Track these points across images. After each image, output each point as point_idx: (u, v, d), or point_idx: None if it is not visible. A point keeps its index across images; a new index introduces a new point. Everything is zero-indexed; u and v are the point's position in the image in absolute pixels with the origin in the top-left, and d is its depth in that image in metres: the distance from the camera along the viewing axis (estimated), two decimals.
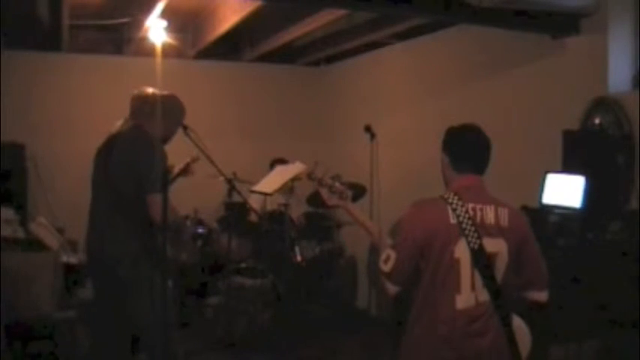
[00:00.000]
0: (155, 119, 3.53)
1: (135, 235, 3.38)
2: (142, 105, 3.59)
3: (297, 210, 6.43)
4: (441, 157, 2.55)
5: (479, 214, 2.39)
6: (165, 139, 3.61)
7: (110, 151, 3.50)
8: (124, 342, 3.62)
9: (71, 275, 4.64)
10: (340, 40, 6.58)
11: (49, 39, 6.38)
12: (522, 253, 2.46)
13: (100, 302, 3.58)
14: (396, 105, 6.47)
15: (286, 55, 7.38)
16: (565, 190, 3.91)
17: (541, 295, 2.54)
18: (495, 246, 2.38)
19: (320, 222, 6.43)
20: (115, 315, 3.49)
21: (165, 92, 3.67)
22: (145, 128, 3.52)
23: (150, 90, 3.66)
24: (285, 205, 5.85)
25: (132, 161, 3.38)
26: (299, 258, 5.91)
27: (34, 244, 4.57)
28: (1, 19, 5.37)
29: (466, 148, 2.50)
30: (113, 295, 3.44)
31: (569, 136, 4.11)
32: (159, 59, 6.33)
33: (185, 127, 3.67)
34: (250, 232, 6.18)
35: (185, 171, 3.89)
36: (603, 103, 4.12)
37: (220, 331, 5.27)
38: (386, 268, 2.39)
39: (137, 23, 6.50)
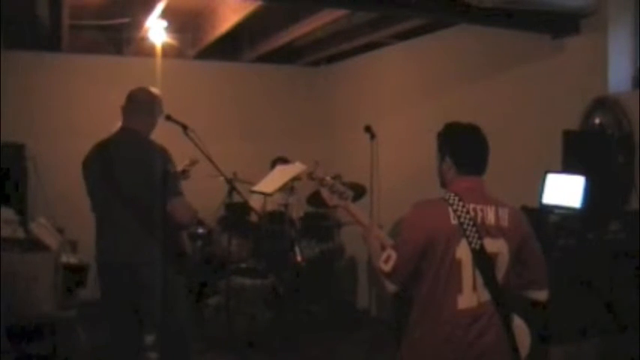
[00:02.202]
0: (142, 117, 3.52)
1: (152, 238, 3.35)
2: (126, 105, 3.56)
3: (297, 210, 6.43)
4: (439, 157, 2.53)
5: (479, 214, 2.39)
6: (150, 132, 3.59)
7: (109, 157, 3.44)
8: (135, 342, 3.61)
9: (71, 275, 4.64)
10: (340, 40, 6.59)
11: (49, 39, 6.38)
12: (523, 253, 2.47)
13: (110, 304, 3.53)
14: (396, 105, 6.47)
15: (286, 55, 7.38)
16: (565, 190, 3.91)
17: (541, 295, 2.55)
18: (496, 246, 2.38)
19: (320, 222, 6.43)
20: (125, 317, 3.48)
21: (136, 88, 3.61)
22: (138, 130, 3.49)
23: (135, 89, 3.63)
24: (285, 205, 5.85)
25: (141, 167, 3.35)
26: (299, 258, 5.91)
27: (34, 245, 4.56)
28: (1, 19, 5.38)
29: (470, 150, 2.49)
30: (128, 297, 3.43)
31: (569, 136, 4.11)
32: (159, 59, 6.35)
33: (185, 127, 3.67)
34: (250, 232, 6.17)
35: (183, 174, 3.92)
36: (603, 103, 4.12)
37: (220, 331, 5.26)
38: (386, 267, 2.39)
39: (137, 23, 6.50)
